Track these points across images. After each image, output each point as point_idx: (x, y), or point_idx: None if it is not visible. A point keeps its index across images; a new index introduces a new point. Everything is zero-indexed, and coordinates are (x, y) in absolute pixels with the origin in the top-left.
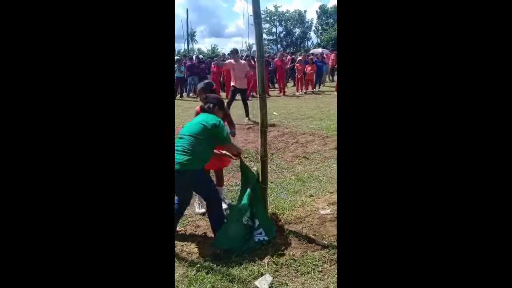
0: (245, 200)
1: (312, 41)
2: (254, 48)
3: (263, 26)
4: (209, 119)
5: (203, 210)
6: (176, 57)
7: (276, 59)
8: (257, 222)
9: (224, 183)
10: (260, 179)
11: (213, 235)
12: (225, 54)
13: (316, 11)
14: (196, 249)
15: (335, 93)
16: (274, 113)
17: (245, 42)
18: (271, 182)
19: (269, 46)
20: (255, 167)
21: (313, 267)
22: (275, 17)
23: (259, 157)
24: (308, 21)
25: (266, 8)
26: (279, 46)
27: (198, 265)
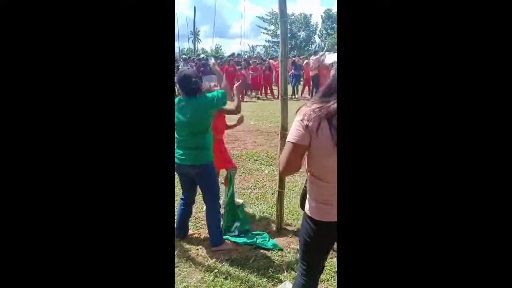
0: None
1: (316, 45)
2: (258, 49)
3: (268, 28)
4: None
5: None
6: (183, 56)
7: (277, 61)
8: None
9: (236, 185)
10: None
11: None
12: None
13: (321, 15)
14: (211, 253)
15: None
16: None
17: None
18: None
19: (273, 48)
20: (266, 170)
21: (332, 274)
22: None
23: (272, 160)
24: (313, 25)
25: (272, 9)
26: None
27: (216, 271)
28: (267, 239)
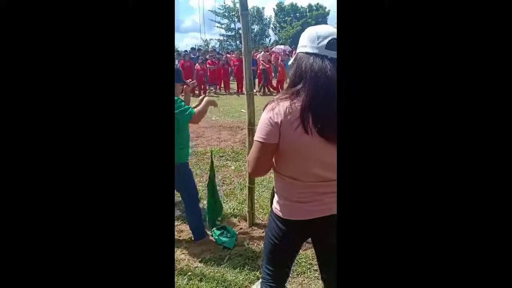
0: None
1: (270, 39)
2: (212, 43)
3: (222, 21)
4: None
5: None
6: None
7: (233, 55)
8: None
9: (203, 184)
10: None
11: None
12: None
13: (274, 8)
14: (183, 256)
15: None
16: (243, 110)
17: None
18: None
19: (228, 42)
20: (232, 166)
21: (308, 266)
22: (233, 13)
23: (238, 156)
24: (266, 18)
25: (224, 3)
26: (238, 42)
27: (190, 273)
28: (230, 234)
